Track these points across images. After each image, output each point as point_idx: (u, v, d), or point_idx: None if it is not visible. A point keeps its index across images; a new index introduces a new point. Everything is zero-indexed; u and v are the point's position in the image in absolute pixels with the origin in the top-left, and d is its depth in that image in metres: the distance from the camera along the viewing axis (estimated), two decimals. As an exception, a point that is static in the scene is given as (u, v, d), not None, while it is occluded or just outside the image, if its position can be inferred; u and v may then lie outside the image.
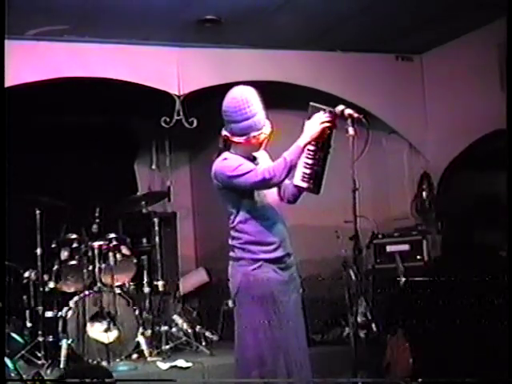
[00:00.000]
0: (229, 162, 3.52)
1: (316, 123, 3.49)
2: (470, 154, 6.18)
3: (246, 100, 3.49)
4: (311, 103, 3.59)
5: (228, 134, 3.56)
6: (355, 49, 6.36)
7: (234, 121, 3.50)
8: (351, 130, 3.46)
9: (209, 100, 6.26)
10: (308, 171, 3.57)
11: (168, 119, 5.89)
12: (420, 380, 4.77)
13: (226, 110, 3.53)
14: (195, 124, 5.91)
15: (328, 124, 3.48)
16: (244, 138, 3.52)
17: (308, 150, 3.53)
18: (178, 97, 5.91)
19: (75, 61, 5.68)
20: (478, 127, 6.00)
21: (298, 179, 3.61)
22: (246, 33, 5.79)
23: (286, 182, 3.65)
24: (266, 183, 3.47)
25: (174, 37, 5.83)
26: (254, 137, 3.53)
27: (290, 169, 3.46)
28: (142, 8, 5.19)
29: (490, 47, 5.68)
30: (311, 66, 6.32)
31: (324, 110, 3.52)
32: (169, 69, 5.93)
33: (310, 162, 3.56)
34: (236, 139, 3.54)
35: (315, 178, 3.57)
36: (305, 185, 3.59)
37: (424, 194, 6.52)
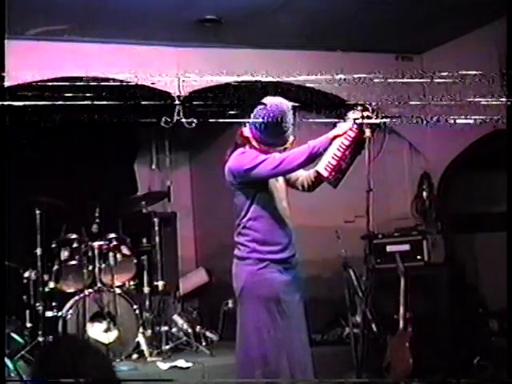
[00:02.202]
0: (246, 155, 3.50)
1: (349, 119, 3.49)
2: (470, 154, 6.18)
3: (281, 117, 3.46)
4: (361, 103, 3.59)
5: (250, 136, 3.54)
6: (355, 49, 6.36)
7: (262, 132, 3.49)
8: (368, 132, 3.47)
9: (209, 100, 6.28)
10: (334, 162, 3.56)
11: (168, 119, 5.88)
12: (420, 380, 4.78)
13: (257, 119, 3.50)
14: (195, 124, 5.90)
15: (358, 120, 3.46)
16: (266, 147, 3.51)
17: (342, 143, 3.51)
18: (178, 97, 5.90)
19: (75, 61, 5.68)
20: (478, 127, 5.99)
21: (321, 166, 3.60)
22: (246, 33, 5.79)
23: (305, 172, 3.65)
24: (284, 168, 3.43)
25: (174, 37, 5.83)
26: (275, 149, 3.52)
27: (312, 155, 3.41)
28: (142, 8, 5.19)
29: (490, 47, 5.68)
30: (311, 66, 6.31)
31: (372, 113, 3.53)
32: (169, 69, 5.93)
33: (338, 154, 3.54)
34: (257, 145, 3.53)
35: (338, 171, 3.57)
36: (326, 174, 3.58)
37: (424, 194, 6.52)
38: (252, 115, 3.52)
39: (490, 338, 5.79)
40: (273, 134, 3.46)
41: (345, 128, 3.47)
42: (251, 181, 3.47)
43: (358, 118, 3.47)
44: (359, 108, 3.52)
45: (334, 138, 3.47)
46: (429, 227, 6.25)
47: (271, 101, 3.51)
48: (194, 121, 5.91)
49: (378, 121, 3.48)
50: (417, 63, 6.66)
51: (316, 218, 6.38)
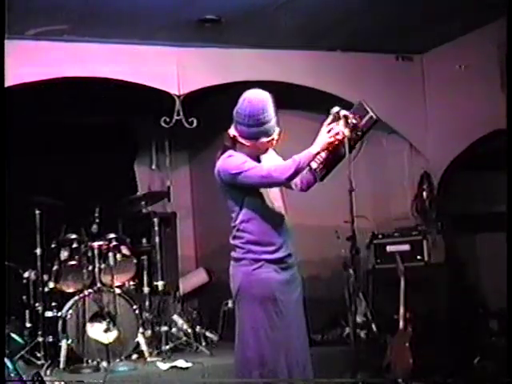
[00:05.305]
0: (233, 159, 3.50)
1: (326, 133, 3.50)
2: (470, 154, 6.18)
3: (261, 106, 3.45)
4: (361, 101, 3.59)
5: (236, 135, 3.54)
6: (355, 49, 6.36)
7: (246, 124, 3.48)
8: (346, 131, 3.48)
9: (209, 100, 6.29)
10: (324, 155, 3.57)
11: (168, 119, 5.89)
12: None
13: (239, 113, 3.50)
14: (195, 124, 5.91)
15: (338, 136, 3.47)
16: (253, 141, 3.51)
17: (338, 137, 3.51)
18: (178, 97, 5.90)
19: (75, 61, 5.68)
20: (478, 127, 6.00)
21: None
22: (246, 33, 5.79)
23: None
24: (270, 181, 3.45)
25: (174, 37, 5.82)
26: (263, 142, 3.52)
27: (297, 170, 3.43)
28: (142, 8, 5.19)
29: (490, 47, 5.68)
30: (311, 65, 6.31)
31: (367, 111, 3.52)
32: (169, 69, 5.93)
33: (330, 148, 3.56)
34: (244, 141, 3.52)
35: (326, 164, 3.57)
36: (315, 165, 3.59)
37: (424, 193, 6.52)
38: (234, 112, 3.52)
39: (489, 338, 5.78)
40: (257, 125, 3.46)
41: (323, 144, 3.48)
42: (238, 185, 3.49)
43: (334, 133, 3.48)
44: (337, 109, 3.52)
45: (316, 154, 3.50)
46: (429, 227, 6.25)
47: (250, 93, 3.52)
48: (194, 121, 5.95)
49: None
50: (417, 63, 6.66)
51: (316, 217, 6.39)
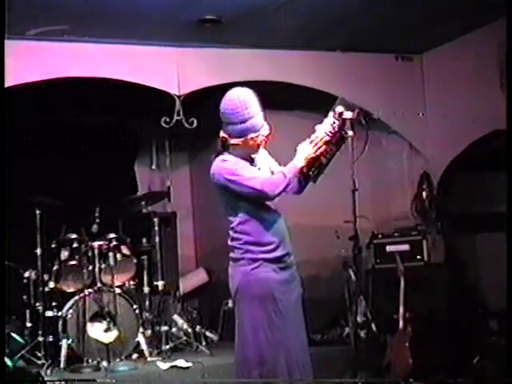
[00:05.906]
0: (227, 165, 3.52)
1: (309, 145, 3.53)
2: (470, 154, 6.19)
3: (243, 102, 3.49)
4: (341, 97, 3.60)
5: (226, 136, 3.56)
6: (355, 49, 6.36)
7: (231, 122, 3.50)
8: (350, 132, 3.50)
9: (209, 100, 6.29)
10: (313, 160, 3.58)
11: (168, 119, 5.89)
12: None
13: (223, 112, 3.53)
14: (195, 124, 5.91)
15: (322, 147, 3.51)
16: (242, 139, 3.52)
17: (325, 139, 3.54)
18: (178, 97, 5.91)
19: (75, 61, 5.68)
20: (477, 127, 6.00)
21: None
22: (246, 33, 5.79)
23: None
24: (262, 195, 3.49)
25: (174, 37, 5.83)
26: (252, 138, 3.53)
27: (286, 187, 3.50)
28: (142, 8, 5.19)
29: (490, 47, 5.68)
30: (311, 66, 6.32)
31: (353, 108, 3.55)
32: (169, 69, 5.93)
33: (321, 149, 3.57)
34: (234, 141, 3.54)
35: (318, 165, 3.59)
36: (306, 169, 3.60)
37: (424, 193, 6.53)
38: (220, 114, 3.54)
39: (489, 338, 5.79)
40: (242, 121, 3.47)
41: (307, 157, 3.51)
42: (231, 190, 3.51)
43: (318, 145, 3.51)
44: (338, 108, 3.54)
45: (302, 168, 3.54)
46: (429, 227, 6.25)
47: (230, 92, 3.56)
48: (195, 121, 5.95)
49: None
50: (417, 63, 6.66)
51: (316, 218, 6.39)
